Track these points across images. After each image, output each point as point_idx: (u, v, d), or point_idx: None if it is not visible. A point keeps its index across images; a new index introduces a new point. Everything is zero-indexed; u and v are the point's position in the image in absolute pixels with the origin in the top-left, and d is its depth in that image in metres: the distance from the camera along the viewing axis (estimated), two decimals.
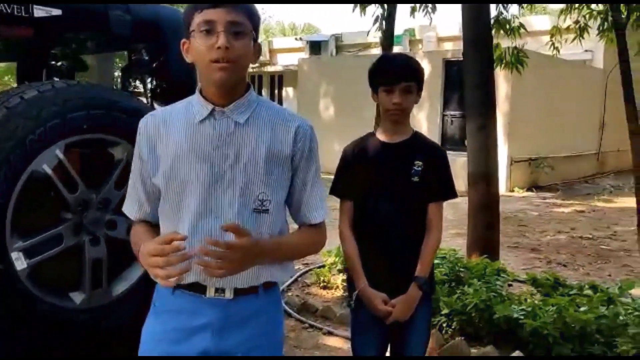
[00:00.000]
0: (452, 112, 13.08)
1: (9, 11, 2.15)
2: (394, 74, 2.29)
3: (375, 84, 2.35)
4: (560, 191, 11.93)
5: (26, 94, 1.89)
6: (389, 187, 2.36)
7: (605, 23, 5.54)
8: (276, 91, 19.40)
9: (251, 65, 1.63)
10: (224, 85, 1.51)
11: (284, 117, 1.61)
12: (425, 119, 13.15)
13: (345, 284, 4.32)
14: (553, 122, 12.81)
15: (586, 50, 13.45)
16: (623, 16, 4.77)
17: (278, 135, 1.58)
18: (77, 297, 2.06)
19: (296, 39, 19.57)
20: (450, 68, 13.01)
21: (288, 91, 18.27)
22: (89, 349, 2.08)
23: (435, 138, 13.03)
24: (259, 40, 1.59)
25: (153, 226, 1.63)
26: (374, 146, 2.43)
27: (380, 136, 2.43)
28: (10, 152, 1.82)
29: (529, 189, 11.81)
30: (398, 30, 12.03)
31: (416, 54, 13.51)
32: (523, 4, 5.62)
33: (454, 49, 15.13)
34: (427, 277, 2.36)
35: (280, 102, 19.26)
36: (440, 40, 16.43)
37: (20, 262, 1.88)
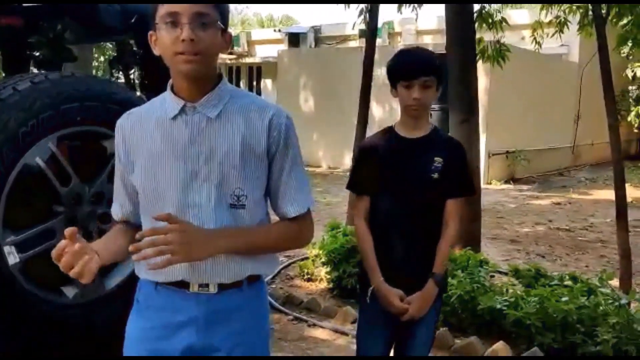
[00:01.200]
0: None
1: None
2: (413, 68, 2.26)
3: (394, 79, 2.32)
4: (537, 183, 12.11)
5: (19, 85, 1.85)
6: (408, 183, 2.33)
7: (585, 18, 5.61)
8: (254, 83, 19.30)
9: (229, 57, 1.60)
10: (191, 78, 1.47)
11: (257, 108, 1.55)
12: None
13: (344, 280, 4.33)
14: (529, 115, 12.98)
15: (562, 45, 13.62)
16: (603, 11, 4.85)
17: (252, 127, 1.54)
18: (70, 291, 2.04)
19: (275, 30, 19.44)
20: None
21: (267, 82, 18.19)
22: (87, 348, 2.06)
23: None
24: (233, 30, 1.55)
25: (131, 228, 1.61)
26: (392, 141, 2.40)
27: (400, 131, 2.40)
28: (2, 144, 1.79)
29: (506, 182, 11.97)
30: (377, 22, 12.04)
31: (396, 47, 13.54)
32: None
33: (433, 42, 15.21)
34: (443, 273, 2.35)
35: (259, 93, 19.15)
36: (419, 33, 16.48)
37: (12, 257, 1.85)
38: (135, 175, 1.56)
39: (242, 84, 17.92)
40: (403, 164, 2.36)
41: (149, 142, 1.53)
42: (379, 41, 16.47)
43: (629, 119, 15.17)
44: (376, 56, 6.26)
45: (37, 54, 2.65)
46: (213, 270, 1.52)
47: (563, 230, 7.87)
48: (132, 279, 2.21)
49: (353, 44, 16.02)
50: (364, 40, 18.22)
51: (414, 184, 2.33)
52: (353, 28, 7.25)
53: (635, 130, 15.85)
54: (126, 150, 1.57)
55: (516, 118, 12.90)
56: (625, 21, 5.34)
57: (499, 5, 5.80)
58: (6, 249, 1.85)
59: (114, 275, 2.19)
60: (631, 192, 10.39)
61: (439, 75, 2.32)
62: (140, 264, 1.51)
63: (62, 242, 1.29)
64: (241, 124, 1.53)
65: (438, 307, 2.41)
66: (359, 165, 2.48)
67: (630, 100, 15.52)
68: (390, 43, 16.17)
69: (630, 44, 5.57)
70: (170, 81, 1.52)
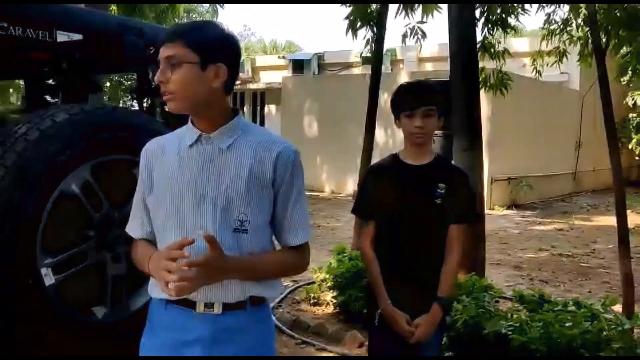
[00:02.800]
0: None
1: (34, 36, 2.24)
2: (414, 98, 2.38)
3: (397, 110, 2.45)
4: (539, 209, 12.19)
5: (57, 116, 1.97)
6: (412, 209, 2.44)
7: (586, 49, 5.78)
8: (258, 108, 19.48)
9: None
10: (177, 113, 1.61)
11: (267, 142, 1.67)
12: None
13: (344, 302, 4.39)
14: (531, 141, 13.13)
15: (562, 73, 13.84)
16: (603, 40, 5.00)
17: (259, 159, 1.65)
18: (99, 312, 2.14)
19: (279, 57, 19.72)
20: None
21: (270, 108, 18.38)
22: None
23: None
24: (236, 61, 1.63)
25: (152, 246, 1.71)
26: (397, 168, 2.51)
27: (404, 158, 2.52)
28: (42, 172, 1.90)
29: (508, 207, 12.05)
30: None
31: (399, 74, 13.77)
32: (507, 29, 5.82)
33: (434, 69, 15.42)
34: (448, 298, 2.44)
35: (262, 119, 19.35)
36: (421, 60, 16.73)
37: (48, 278, 1.96)
38: (151, 197, 1.68)
39: (246, 109, 18.13)
40: (407, 189, 2.47)
41: (167, 166, 1.67)
42: (382, 68, 16.63)
43: (630, 146, 15.32)
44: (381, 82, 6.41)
45: (61, 84, 2.78)
46: (216, 290, 1.61)
47: (566, 257, 7.95)
48: None
49: (356, 70, 16.26)
50: (367, 67, 18.38)
51: (418, 210, 2.45)
52: (360, 55, 7.36)
53: (637, 158, 16.00)
54: (148, 173, 1.71)
55: (518, 144, 13.06)
56: (624, 51, 5.50)
57: (500, 34, 5.93)
58: (43, 270, 1.95)
59: (140, 296, 2.28)
60: (633, 219, 10.49)
61: (440, 104, 2.44)
62: (154, 283, 1.65)
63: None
64: (250, 156, 1.65)
65: (442, 330, 2.53)
66: (364, 190, 2.60)
67: (631, 127, 15.66)
68: (392, 70, 16.42)
69: (630, 74, 5.72)
70: None
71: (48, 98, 2.87)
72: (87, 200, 2.07)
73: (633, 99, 13.84)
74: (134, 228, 1.75)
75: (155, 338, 1.68)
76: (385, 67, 16.93)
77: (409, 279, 2.43)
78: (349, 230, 8.64)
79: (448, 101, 2.47)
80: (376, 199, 2.52)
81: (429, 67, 16.19)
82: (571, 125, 14.69)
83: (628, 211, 11.83)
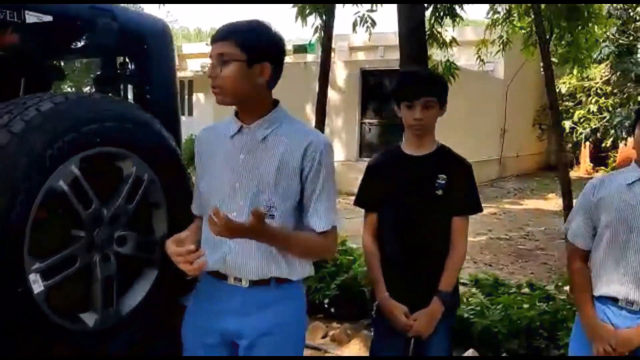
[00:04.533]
0: (370, 120, 13.43)
1: (0, 17, 2.01)
2: (413, 89, 2.34)
3: (397, 99, 2.40)
4: None
5: (41, 106, 1.78)
6: (412, 200, 2.39)
7: (530, 39, 5.96)
8: (186, 96, 18.97)
9: None
10: (224, 105, 1.80)
11: (300, 133, 1.83)
12: (343, 127, 13.41)
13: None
14: (458, 129, 13.48)
15: (487, 62, 14.34)
16: (547, 34, 5.17)
17: (290, 150, 1.80)
18: (89, 319, 1.96)
19: (207, 44, 19.25)
20: (367, 77, 13.35)
21: (199, 97, 17.95)
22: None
23: (354, 146, 13.35)
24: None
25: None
26: (397, 159, 2.46)
27: (405, 149, 2.47)
28: (29, 167, 1.71)
29: None
30: (309, 39, 12.23)
31: (334, 63, 13.75)
32: (456, 18, 5.90)
33: (366, 58, 15.55)
34: (451, 291, 2.40)
35: (190, 107, 18.86)
36: (352, 49, 16.82)
37: (37, 285, 1.77)
38: (202, 182, 1.94)
39: None
40: (407, 181, 2.43)
41: (212, 154, 1.90)
42: (312, 56, 16.72)
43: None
44: (313, 70, 6.36)
45: (26, 70, 2.54)
46: (241, 266, 1.82)
47: (503, 240, 8.26)
48: (146, 304, 2.16)
49: (288, 59, 16.14)
50: (298, 56, 18.23)
51: (418, 201, 2.40)
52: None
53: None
54: (199, 159, 1.95)
55: (445, 132, 13.33)
56: (565, 42, 5.72)
57: (452, 25, 6.01)
58: (31, 277, 1.76)
59: (127, 301, 2.13)
60: (558, 202, 11.01)
61: (440, 95, 2.41)
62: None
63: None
64: (282, 146, 1.81)
65: (449, 323, 2.46)
66: (366, 182, 2.54)
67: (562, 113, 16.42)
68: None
69: (571, 62, 5.94)
70: None
71: None
72: (76, 198, 1.88)
73: (558, 87, 14.50)
74: (193, 207, 2.04)
75: (197, 303, 1.95)
76: (317, 56, 16.93)
77: (409, 271, 2.40)
78: None
79: (446, 90, 2.44)
80: (377, 190, 2.47)
81: (360, 56, 16.30)
82: (496, 113, 15.24)
83: (551, 194, 12.47)
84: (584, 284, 2.30)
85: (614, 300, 2.22)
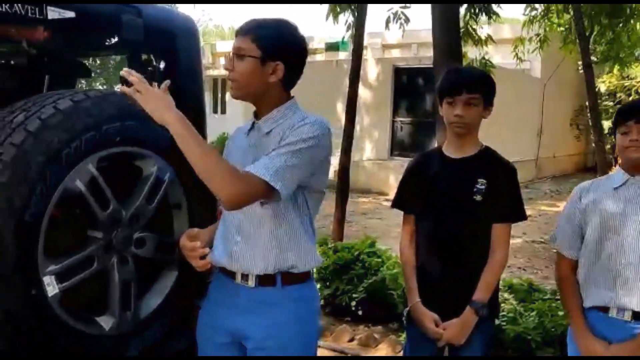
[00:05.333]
0: (402, 119, 13.27)
1: (22, 12, 1.98)
2: (456, 84, 2.22)
3: (440, 95, 2.29)
4: None
5: (60, 103, 1.73)
6: (449, 204, 2.27)
7: (570, 36, 5.76)
8: (219, 95, 19.07)
9: None
10: (238, 99, 1.83)
11: (297, 122, 1.76)
12: (374, 125, 13.29)
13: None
14: (494, 129, 13.22)
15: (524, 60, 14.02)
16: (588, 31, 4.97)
17: (285, 134, 1.75)
18: (106, 322, 1.92)
19: None
20: (400, 75, 13.20)
21: None
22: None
23: (385, 144, 13.20)
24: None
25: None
26: (437, 160, 2.35)
27: (445, 150, 2.35)
28: (45, 166, 1.67)
29: None
30: (341, 37, 12.20)
31: (366, 61, 13.64)
32: (492, 15, 5.75)
33: (401, 55, 15.36)
34: (486, 302, 2.27)
35: (223, 105, 18.95)
36: (385, 47, 16.66)
37: (52, 287, 1.73)
38: None
39: (206, 96, 17.73)
40: (446, 184, 2.30)
41: (232, 151, 1.94)
42: (345, 54, 16.60)
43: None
44: (345, 68, 6.27)
45: (50, 67, 2.51)
46: (246, 260, 1.80)
47: (538, 243, 8.02)
48: (165, 306, 2.12)
49: (319, 57, 16.06)
50: (330, 54, 18.12)
51: (455, 206, 2.27)
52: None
53: (594, 145, 16.38)
54: (225, 154, 1.96)
55: (481, 132, 13.10)
56: (605, 40, 5.51)
57: (484, 20, 5.86)
58: (46, 279, 1.72)
59: (145, 303, 2.08)
60: None
61: (485, 93, 2.27)
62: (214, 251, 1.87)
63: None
64: (281, 134, 1.76)
65: (486, 335, 2.32)
66: (403, 183, 2.44)
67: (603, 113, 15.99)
68: None
69: (612, 61, 5.74)
70: None
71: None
72: (93, 198, 1.84)
73: (597, 87, 14.12)
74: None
75: (210, 299, 1.95)
76: (350, 54, 16.84)
77: (443, 278, 2.28)
78: (321, 220, 8.51)
79: (494, 91, 2.30)
80: (414, 193, 2.37)
81: (394, 53, 16.14)
82: (533, 112, 14.89)
83: None
84: (572, 294, 2.24)
85: (604, 311, 2.12)
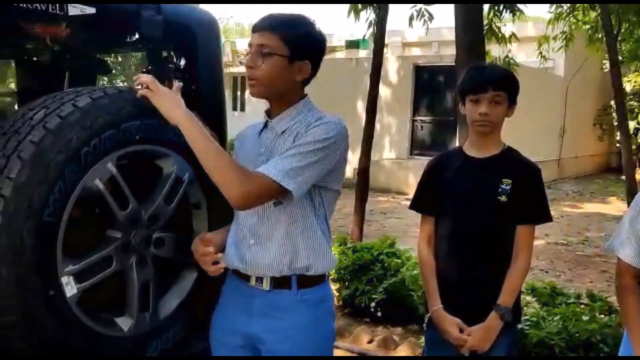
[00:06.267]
0: (422, 118, 13.17)
1: (43, 8, 1.96)
2: (481, 81, 2.16)
3: (463, 94, 2.23)
4: None
5: (78, 101, 1.71)
6: (473, 206, 2.22)
7: (596, 34, 5.64)
8: (239, 92, 19.10)
9: None
10: (259, 98, 1.77)
11: (312, 121, 1.72)
12: (394, 124, 13.19)
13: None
14: (516, 128, 13.06)
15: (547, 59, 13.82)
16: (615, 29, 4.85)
17: (299, 134, 1.71)
18: (125, 323, 1.89)
19: None
20: (420, 73, 13.09)
21: None
22: None
23: (405, 143, 13.11)
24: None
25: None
26: (458, 160, 2.29)
27: (467, 150, 2.29)
28: (65, 165, 1.64)
29: None
30: (362, 34, 12.11)
31: (387, 59, 13.56)
32: (516, 13, 5.64)
33: (422, 53, 15.23)
34: (511, 306, 2.21)
35: (242, 103, 18.97)
36: (406, 45, 16.55)
37: (70, 287, 1.70)
38: None
39: (226, 93, 17.75)
40: (468, 184, 2.23)
41: (242, 150, 1.91)
42: (365, 52, 16.50)
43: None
44: (365, 66, 6.21)
45: (70, 64, 2.50)
46: (258, 260, 1.76)
47: (561, 245, 7.89)
48: (185, 307, 2.09)
49: (339, 55, 15.99)
50: (350, 51, 18.04)
51: (479, 207, 2.21)
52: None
53: (617, 145, 16.12)
54: (235, 155, 1.92)
55: (503, 130, 12.94)
56: (633, 38, 5.38)
57: (508, 18, 5.75)
58: (64, 279, 1.69)
59: (165, 304, 2.05)
60: (620, 206, 10.51)
61: (510, 91, 2.21)
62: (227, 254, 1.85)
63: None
64: (295, 134, 1.72)
65: (510, 340, 2.26)
66: (423, 184, 2.37)
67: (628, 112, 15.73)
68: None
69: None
70: None
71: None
72: (112, 197, 1.81)
73: (623, 86, 13.88)
74: None
75: (223, 301, 1.91)
76: (370, 51, 16.76)
77: (466, 282, 2.22)
78: (341, 219, 8.45)
79: (517, 89, 2.24)
80: (435, 194, 2.31)
81: (413, 52, 16.02)
82: (555, 111, 14.69)
83: (612, 198, 11.91)
84: (635, 306, 2.03)
85: None
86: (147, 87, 1.75)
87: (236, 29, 33.72)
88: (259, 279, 1.78)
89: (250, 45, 1.73)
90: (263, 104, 1.87)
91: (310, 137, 1.66)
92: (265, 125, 1.82)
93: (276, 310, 1.76)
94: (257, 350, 1.81)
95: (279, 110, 1.79)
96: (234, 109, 18.23)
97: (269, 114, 1.82)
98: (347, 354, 4.25)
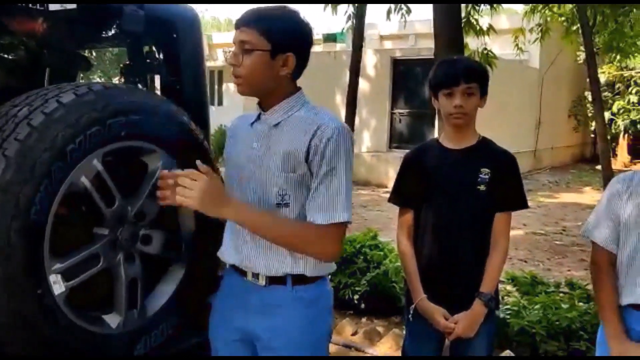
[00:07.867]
0: (401, 110, 13.23)
1: (24, 4, 1.93)
2: (454, 75, 2.19)
3: (435, 88, 2.26)
4: None
5: (63, 97, 1.69)
6: (452, 196, 2.25)
7: (572, 26, 5.71)
8: (216, 86, 18.97)
9: None
10: (245, 95, 1.76)
11: (312, 119, 1.71)
12: (373, 117, 13.24)
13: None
14: (492, 120, 13.19)
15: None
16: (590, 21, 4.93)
17: (299, 134, 1.69)
18: (113, 321, 1.88)
19: None
20: (398, 66, 13.13)
21: (229, 86, 17.91)
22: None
23: (384, 136, 13.17)
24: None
25: None
26: (435, 152, 2.32)
27: (443, 142, 2.33)
28: (51, 162, 1.62)
29: None
30: (339, 28, 12.10)
31: (364, 52, 13.58)
32: (494, 4, 5.69)
33: (398, 47, 15.27)
34: (493, 293, 2.27)
35: (220, 97, 18.86)
36: (382, 38, 16.58)
37: (58, 286, 1.69)
38: (225, 170, 1.90)
39: None
40: (447, 175, 2.28)
41: (235, 142, 1.87)
42: (342, 45, 16.48)
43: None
44: (343, 59, 6.23)
45: (51, 60, 2.46)
46: (255, 258, 1.75)
47: (539, 235, 8.01)
48: (174, 303, 2.08)
49: (317, 48, 15.97)
50: (327, 44, 18.01)
51: (459, 196, 2.25)
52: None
53: (592, 136, 16.39)
54: (226, 147, 1.90)
55: (479, 123, 13.06)
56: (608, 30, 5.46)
57: (490, 12, 5.80)
58: (52, 277, 1.68)
59: (153, 301, 2.04)
60: (595, 196, 10.69)
61: (482, 82, 2.26)
62: (224, 248, 1.86)
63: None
64: (291, 132, 1.71)
65: (490, 330, 2.31)
66: (401, 177, 2.40)
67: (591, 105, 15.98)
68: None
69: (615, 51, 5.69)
70: None
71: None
72: (98, 194, 1.79)
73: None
74: None
75: (220, 296, 1.91)
76: (347, 45, 16.73)
77: (449, 272, 2.26)
78: None
79: (488, 79, 2.27)
80: (413, 186, 2.34)
81: (389, 45, 16.07)
82: (531, 103, 14.87)
83: (587, 187, 12.11)
84: (608, 290, 2.07)
85: (638, 308, 2.00)
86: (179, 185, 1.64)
87: (212, 22, 33.50)
88: (255, 275, 1.78)
89: (233, 43, 1.71)
90: (240, 98, 1.87)
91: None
92: (259, 118, 1.80)
93: (271, 306, 1.76)
94: (255, 345, 1.82)
95: (272, 104, 1.76)
96: (212, 103, 18.13)
97: (263, 107, 1.80)
98: (332, 346, 4.27)
